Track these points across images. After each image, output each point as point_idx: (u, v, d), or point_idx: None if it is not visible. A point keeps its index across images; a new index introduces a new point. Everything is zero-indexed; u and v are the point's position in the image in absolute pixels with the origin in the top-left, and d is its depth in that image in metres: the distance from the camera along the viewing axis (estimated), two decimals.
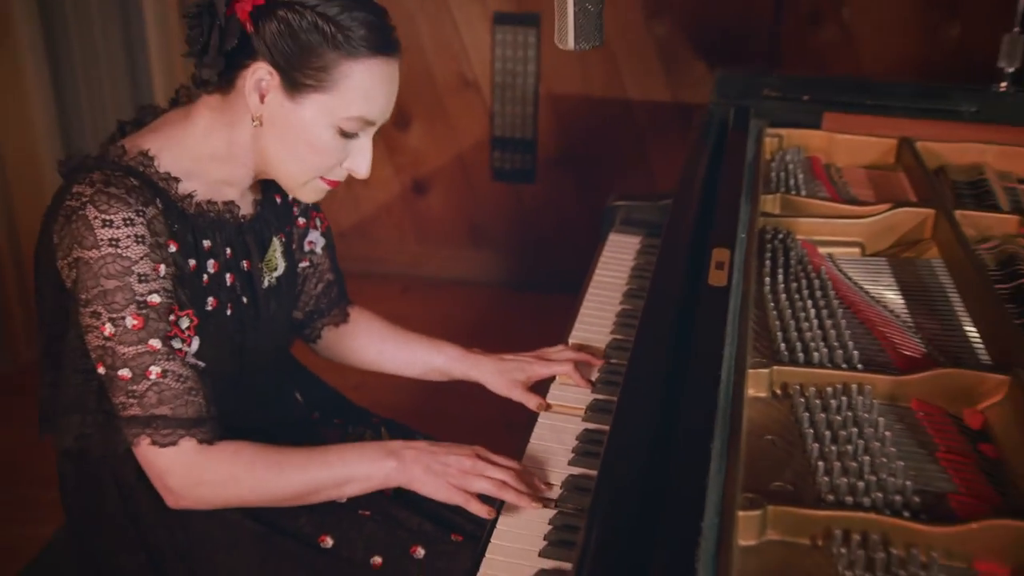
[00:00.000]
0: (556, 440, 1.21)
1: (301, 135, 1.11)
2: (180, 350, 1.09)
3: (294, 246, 1.34)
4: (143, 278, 1.06)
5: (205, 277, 1.16)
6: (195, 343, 1.11)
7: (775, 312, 1.21)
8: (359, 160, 1.16)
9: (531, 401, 1.31)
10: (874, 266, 1.39)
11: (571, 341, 1.43)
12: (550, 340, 1.41)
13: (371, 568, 1.16)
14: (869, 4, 2.75)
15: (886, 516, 0.86)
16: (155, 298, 1.07)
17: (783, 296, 1.24)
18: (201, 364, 1.12)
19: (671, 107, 2.96)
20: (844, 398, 1.04)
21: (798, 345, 1.13)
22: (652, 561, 0.78)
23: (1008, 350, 1.08)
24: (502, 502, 1.10)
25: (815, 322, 1.18)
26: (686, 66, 2.91)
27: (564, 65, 2.97)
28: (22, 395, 2.53)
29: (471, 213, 3.24)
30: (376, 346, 1.44)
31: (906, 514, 0.87)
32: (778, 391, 1.08)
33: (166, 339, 1.07)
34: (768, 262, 1.33)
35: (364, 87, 1.10)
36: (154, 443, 1.07)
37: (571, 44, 1.16)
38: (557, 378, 1.35)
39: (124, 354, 1.06)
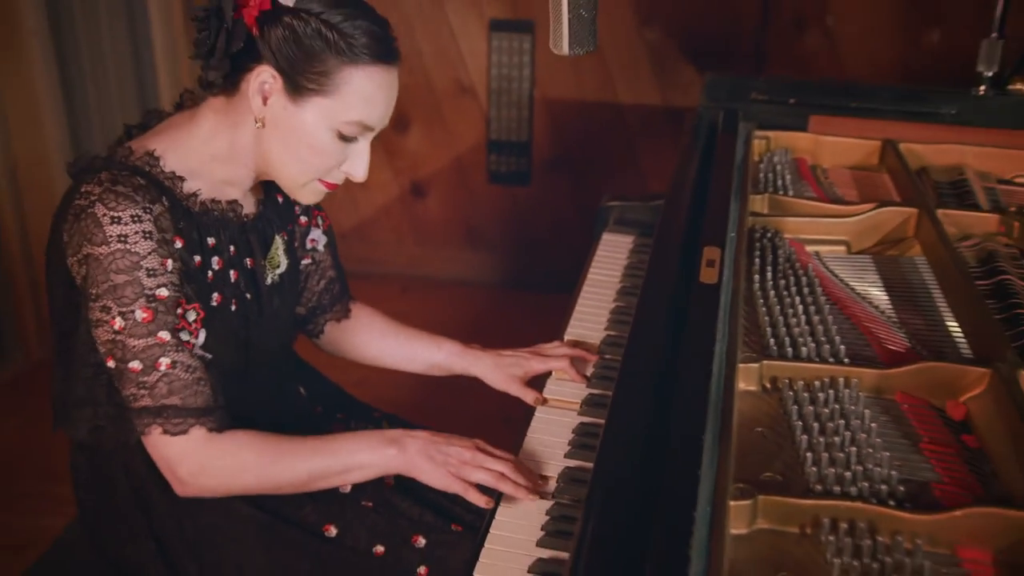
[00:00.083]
0: (553, 433, 1.21)
1: (302, 137, 1.11)
2: (188, 342, 1.09)
3: (296, 244, 1.34)
4: (151, 272, 1.06)
5: (210, 273, 1.16)
6: (202, 335, 1.12)
7: (764, 308, 1.21)
8: (357, 164, 1.16)
9: (528, 396, 1.31)
10: (859, 263, 1.39)
11: (566, 338, 1.43)
12: (546, 337, 1.41)
13: (373, 556, 1.16)
14: (852, 10, 2.76)
15: (872, 505, 0.86)
16: (163, 292, 1.07)
17: (772, 293, 1.24)
18: (208, 356, 1.12)
19: (662, 110, 2.96)
20: (831, 391, 1.04)
21: (787, 340, 1.14)
22: (647, 549, 0.78)
23: (988, 344, 1.09)
24: (501, 494, 1.10)
25: (803, 318, 1.18)
26: (676, 71, 2.91)
27: (558, 70, 2.97)
28: (35, 392, 2.54)
29: (468, 215, 3.24)
30: (378, 341, 1.44)
31: (891, 503, 0.88)
32: (768, 385, 1.08)
33: (175, 331, 1.08)
34: (757, 260, 1.33)
35: (364, 93, 1.11)
36: (165, 432, 1.08)
37: (566, 49, 1.16)
38: (553, 373, 1.35)
39: (134, 347, 1.06)
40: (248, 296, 1.22)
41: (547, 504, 1.08)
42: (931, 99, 1.80)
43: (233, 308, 1.19)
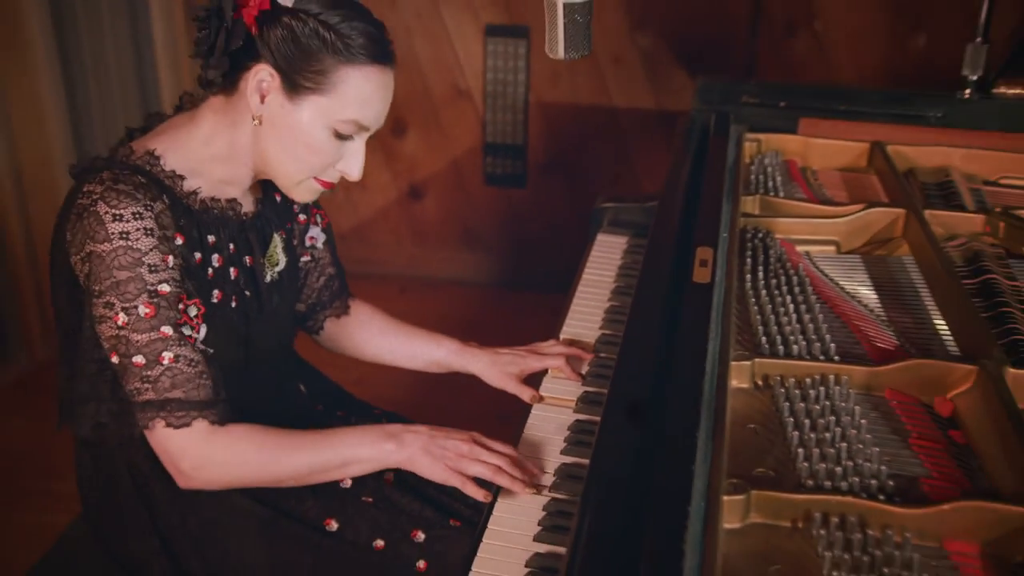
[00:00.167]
0: (549, 430, 1.21)
1: (299, 135, 1.12)
2: (190, 336, 1.09)
3: (295, 242, 1.34)
4: (153, 268, 1.06)
5: (210, 271, 1.16)
6: (203, 330, 1.12)
7: (756, 307, 1.21)
8: (352, 163, 1.17)
9: (525, 393, 1.31)
10: (849, 263, 1.39)
11: (562, 336, 1.43)
12: (542, 336, 1.41)
13: (373, 551, 1.16)
14: (840, 16, 2.76)
15: (862, 499, 0.86)
16: (165, 287, 1.07)
17: (763, 292, 1.24)
18: (210, 350, 1.12)
19: (654, 114, 2.97)
20: (822, 388, 1.04)
21: (778, 338, 1.14)
22: (642, 544, 0.78)
23: (975, 342, 1.09)
24: (498, 488, 1.09)
25: (794, 316, 1.18)
26: (668, 75, 2.91)
27: (553, 74, 2.97)
28: (40, 392, 2.53)
29: (465, 216, 3.24)
30: (377, 338, 1.44)
31: (881, 497, 0.88)
32: (760, 382, 1.08)
33: (177, 326, 1.08)
34: (749, 260, 1.33)
35: (360, 92, 1.11)
36: (168, 425, 1.08)
37: (561, 54, 1.16)
38: (549, 371, 1.34)
39: (138, 341, 1.06)
40: (248, 293, 1.21)
41: (544, 499, 1.08)
42: (918, 102, 1.81)
43: (233, 305, 1.19)
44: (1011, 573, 0.83)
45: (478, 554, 1.00)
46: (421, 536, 1.16)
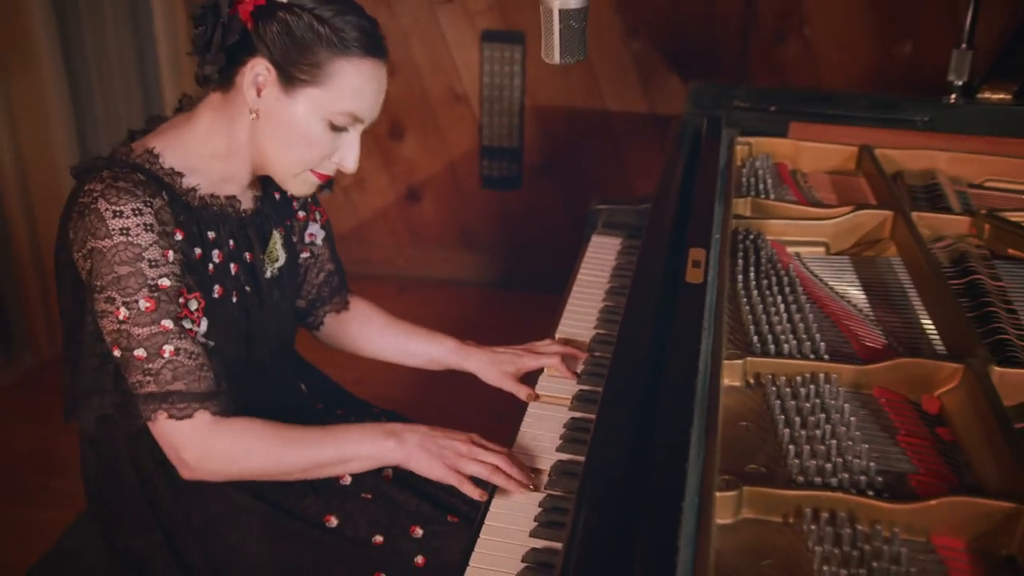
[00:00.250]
0: (545, 428, 1.21)
1: (295, 127, 1.12)
2: (191, 330, 1.09)
3: (295, 238, 1.34)
4: (153, 263, 1.06)
5: (211, 266, 1.16)
6: (203, 324, 1.12)
7: (748, 307, 1.22)
8: (347, 154, 1.17)
9: (521, 391, 1.31)
10: (838, 264, 1.39)
11: (558, 336, 1.43)
12: (538, 335, 1.41)
13: (372, 546, 1.16)
14: (829, 22, 2.77)
15: (852, 495, 0.86)
16: (165, 281, 1.07)
17: (755, 292, 1.24)
18: (211, 343, 1.12)
19: (647, 117, 2.97)
20: (812, 386, 1.04)
21: (769, 338, 1.14)
22: (637, 539, 0.78)
23: (961, 341, 1.09)
24: (494, 486, 1.09)
25: (784, 316, 1.18)
26: (661, 79, 2.92)
27: (548, 79, 2.97)
28: (44, 390, 2.52)
29: (462, 218, 3.23)
30: (377, 335, 1.44)
31: (870, 493, 0.88)
32: (751, 380, 1.08)
33: (177, 320, 1.08)
34: (740, 261, 1.33)
35: (354, 84, 1.11)
36: (170, 417, 1.08)
37: (557, 59, 1.16)
38: (545, 370, 1.34)
39: (139, 335, 1.06)
40: (248, 289, 1.21)
41: (540, 496, 1.08)
42: (905, 107, 1.81)
43: (234, 300, 1.19)
44: (996, 567, 0.83)
45: (475, 549, 1.00)
46: (419, 532, 1.16)
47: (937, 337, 1.17)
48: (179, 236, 1.11)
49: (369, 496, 1.21)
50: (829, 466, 0.91)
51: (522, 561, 0.98)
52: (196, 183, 1.15)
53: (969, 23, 1.76)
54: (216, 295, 1.16)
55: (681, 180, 1.55)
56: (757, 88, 2.01)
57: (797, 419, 0.99)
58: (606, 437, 0.98)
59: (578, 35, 1.15)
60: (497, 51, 2.96)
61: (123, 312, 1.06)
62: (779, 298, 1.22)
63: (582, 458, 1.05)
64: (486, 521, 1.05)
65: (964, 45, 1.77)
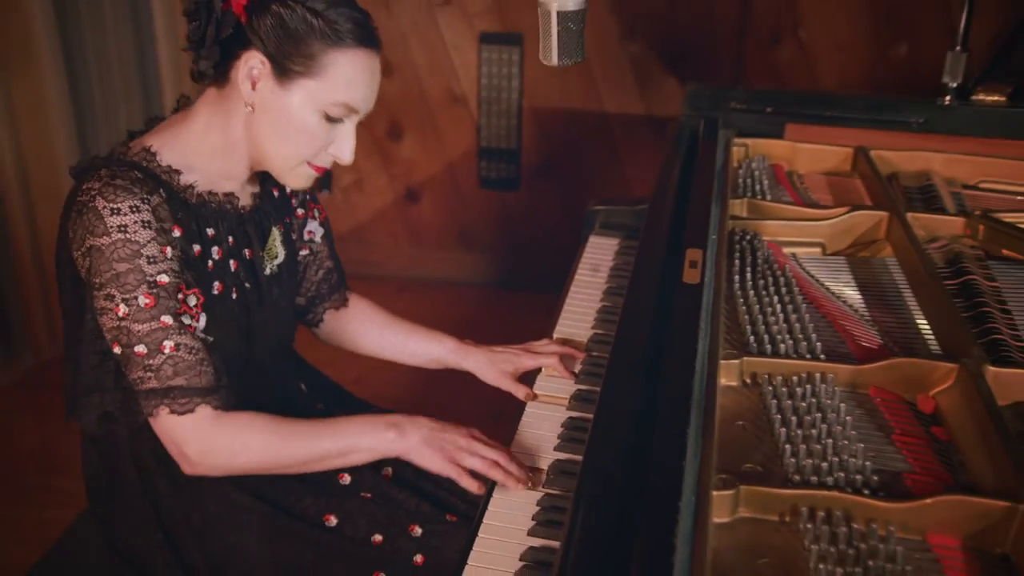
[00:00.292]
0: (543, 427, 1.21)
1: (290, 119, 1.12)
2: (190, 325, 1.09)
3: (294, 236, 1.34)
4: (152, 260, 1.06)
5: (210, 263, 1.16)
6: (203, 320, 1.12)
7: (744, 307, 1.22)
8: (343, 146, 1.16)
9: (519, 391, 1.31)
10: (834, 264, 1.39)
11: (555, 335, 1.42)
12: (535, 335, 1.41)
13: (372, 545, 1.16)
14: (825, 25, 2.77)
15: (848, 494, 0.86)
16: (164, 278, 1.07)
17: (751, 293, 1.24)
18: (210, 338, 1.12)
19: (644, 119, 2.97)
20: (808, 386, 1.04)
21: (765, 338, 1.14)
22: (634, 538, 0.78)
23: (956, 341, 1.09)
24: (493, 483, 1.09)
25: (781, 316, 1.18)
26: (658, 81, 2.92)
27: (545, 81, 2.97)
28: (45, 389, 2.52)
29: (460, 218, 3.23)
30: (376, 332, 1.44)
31: (866, 492, 0.88)
32: (748, 380, 1.08)
33: (176, 315, 1.08)
34: (737, 261, 1.33)
35: (348, 75, 1.11)
36: (172, 412, 1.07)
37: (555, 60, 1.16)
38: (543, 370, 1.34)
39: (139, 331, 1.06)
40: (248, 285, 1.21)
41: (538, 495, 1.08)
42: (900, 109, 1.81)
43: (234, 296, 1.19)
44: (991, 565, 0.83)
45: (473, 548, 1.00)
46: (418, 531, 1.16)
47: (932, 337, 1.17)
48: (177, 233, 1.11)
49: (369, 495, 1.20)
50: (825, 465, 0.91)
51: (520, 560, 0.98)
52: (193, 180, 1.15)
53: (963, 26, 1.76)
54: (216, 291, 1.16)
55: (678, 181, 1.55)
56: (753, 90, 2.01)
57: (793, 418, 0.99)
58: (604, 436, 0.97)
59: (576, 37, 1.15)
60: (495, 53, 2.96)
61: (122, 309, 1.06)
62: (775, 298, 1.22)
63: (580, 457, 1.05)
64: (484, 520, 1.05)
65: (959, 48, 1.77)
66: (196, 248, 1.14)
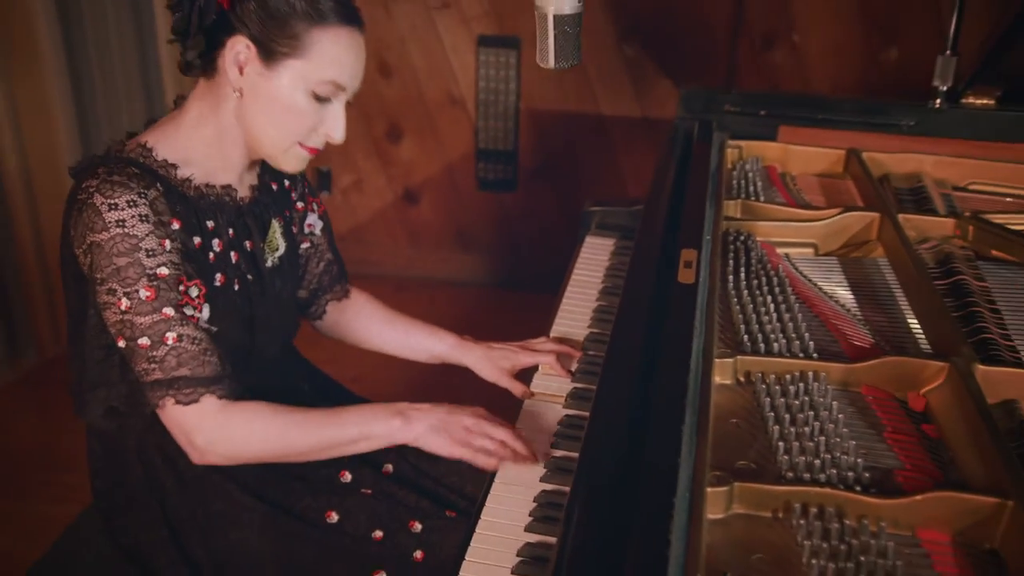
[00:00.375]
0: (539, 425, 1.21)
1: (279, 100, 1.11)
2: (193, 316, 1.09)
3: (294, 228, 1.34)
4: (151, 253, 1.06)
5: (211, 255, 1.15)
6: (206, 311, 1.12)
7: (738, 307, 1.22)
8: (334, 125, 1.16)
9: (516, 388, 1.31)
10: (826, 265, 1.40)
11: (552, 334, 1.42)
12: (533, 334, 1.41)
13: (372, 541, 1.16)
14: (817, 29, 2.77)
15: (840, 491, 0.87)
16: (164, 270, 1.07)
17: (745, 292, 1.25)
18: (213, 328, 1.12)
19: (640, 121, 2.97)
20: (801, 384, 1.04)
21: (759, 337, 1.14)
22: (630, 534, 0.78)
23: (946, 340, 1.09)
24: (491, 481, 1.09)
25: (774, 316, 1.18)
26: (653, 84, 2.92)
27: (542, 83, 2.97)
28: (48, 387, 2.52)
29: (458, 219, 3.23)
30: (377, 327, 1.44)
31: (858, 488, 0.88)
32: (742, 378, 1.08)
33: (178, 307, 1.07)
34: (731, 261, 1.33)
35: (333, 52, 1.11)
36: (178, 403, 1.07)
37: (552, 63, 1.16)
38: (540, 368, 1.34)
39: (141, 324, 1.06)
40: (250, 277, 1.21)
41: (535, 491, 1.08)
42: (891, 112, 1.81)
43: (236, 288, 1.19)
44: (980, 560, 0.83)
45: (472, 544, 1.00)
46: (418, 527, 1.16)
47: (923, 336, 1.17)
48: (176, 226, 1.10)
49: (369, 492, 1.20)
50: (818, 462, 0.91)
51: (517, 555, 0.98)
52: (190, 173, 1.15)
53: (953, 30, 1.76)
54: (218, 283, 1.16)
55: (673, 182, 1.55)
56: (747, 93, 2.01)
57: (786, 416, 0.99)
58: (600, 434, 0.97)
59: (572, 40, 1.15)
60: (493, 56, 2.96)
61: (124, 302, 1.06)
62: (769, 298, 1.22)
63: (576, 454, 1.05)
64: (482, 516, 1.04)
65: (948, 52, 1.77)
66: (196, 240, 1.13)
